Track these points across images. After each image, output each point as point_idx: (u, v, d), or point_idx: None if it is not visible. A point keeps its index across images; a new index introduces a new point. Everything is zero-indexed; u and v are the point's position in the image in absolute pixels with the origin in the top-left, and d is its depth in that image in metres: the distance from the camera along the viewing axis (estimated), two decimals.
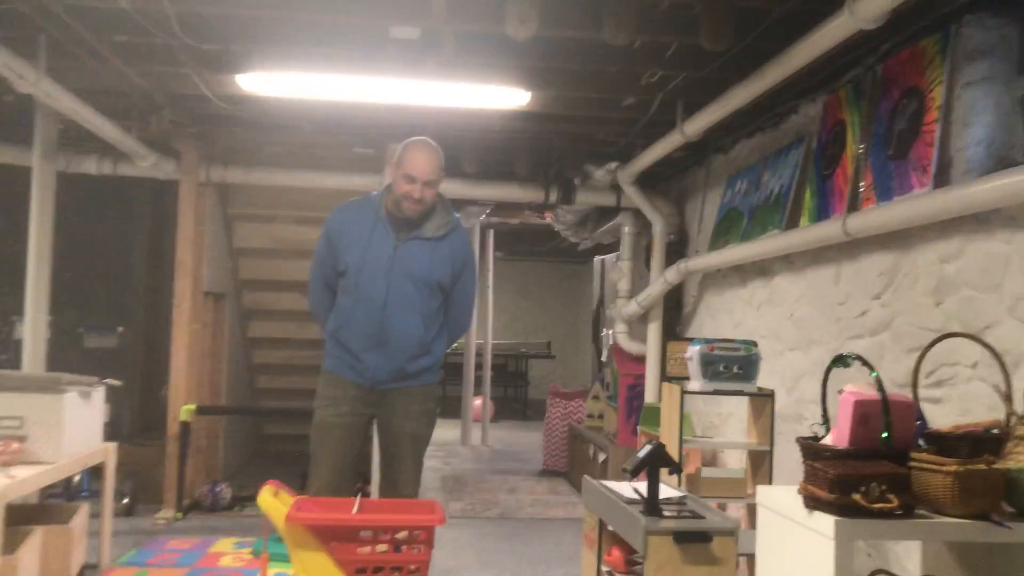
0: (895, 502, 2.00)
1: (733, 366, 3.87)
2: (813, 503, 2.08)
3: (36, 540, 3.61)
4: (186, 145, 5.68)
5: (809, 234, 3.81)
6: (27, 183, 5.09)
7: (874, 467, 2.05)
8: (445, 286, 3.37)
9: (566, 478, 7.42)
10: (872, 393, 2.18)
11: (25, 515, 4.00)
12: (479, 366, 9.78)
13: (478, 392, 9.84)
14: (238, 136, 5.80)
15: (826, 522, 2.00)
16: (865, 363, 2.24)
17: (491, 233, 9.81)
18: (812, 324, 4.03)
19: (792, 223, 4.12)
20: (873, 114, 3.55)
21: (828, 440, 2.27)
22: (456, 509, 6.04)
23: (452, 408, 11.40)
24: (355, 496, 3.06)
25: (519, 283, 14.85)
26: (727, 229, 4.95)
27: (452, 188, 6.15)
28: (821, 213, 3.84)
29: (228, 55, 4.23)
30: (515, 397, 13.44)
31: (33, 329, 5.18)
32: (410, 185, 3.21)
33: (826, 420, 2.38)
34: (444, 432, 10.32)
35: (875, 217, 3.31)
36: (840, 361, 2.30)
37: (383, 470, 3.46)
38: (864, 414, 2.16)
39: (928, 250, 3.18)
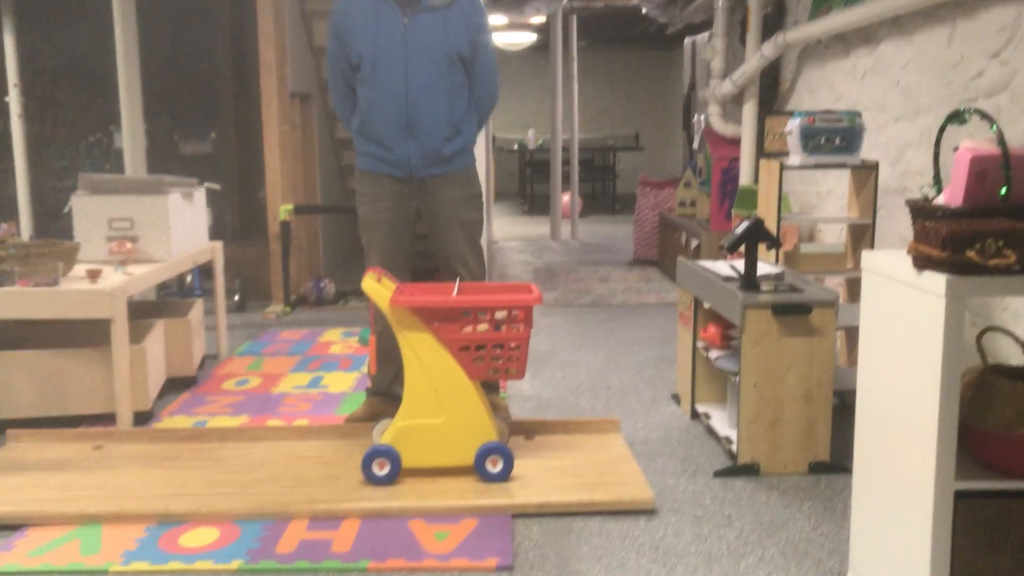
0: (1012, 258, 1.92)
1: (836, 138, 3.71)
2: (923, 262, 2.01)
3: (159, 331, 3.84)
4: None
5: None
6: None
7: (991, 224, 1.96)
8: (464, 56, 3.22)
9: (657, 266, 7.45)
10: (990, 148, 2.06)
11: (145, 310, 4.25)
12: (566, 161, 9.68)
13: (566, 187, 9.80)
14: None
15: (937, 280, 1.95)
16: (985, 116, 2.10)
17: (574, 19, 9.42)
18: (920, 91, 3.80)
19: None
20: None
21: (941, 200, 2.17)
22: (550, 298, 6.16)
23: (540, 204, 11.44)
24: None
25: (604, 74, 14.41)
26: None
27: None
28: None
29: None
30: (603, 191, 13.36)
31: (131, 138, 5.31)
32: None
33: (938, 181, 2.27)
34: (534, 228, 10.43)
35: None
36: (956, 118, 2.16)
37: (441, 263, 3.42)
38: (981, 170, 2.04)
39: None
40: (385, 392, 3.48)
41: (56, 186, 6.15)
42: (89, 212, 3.87)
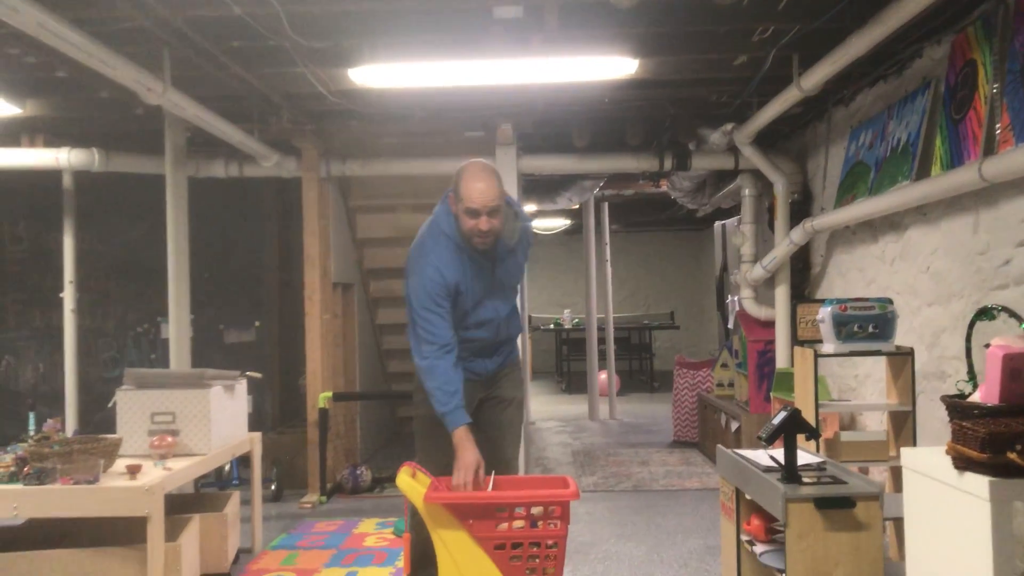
0: None
1: (868, 325, 3.73)
2: (964, 463, 1.99)
3: (195, 527, 3.82)
4: (305, 142, 5.86)
5: (943, 182, 3.63)
6: (162, 190, 5.37)
7: None
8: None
9: (698, 448, 7.33)
10: (1022, 346, 2.06)
11: (182, 504, 4.24)
12: (602, 340, 9.75)
13: (602, 366, 9.82)
14: (354, 130, 5.94)
15: (979, 483, 1.91)
16: (1013, 314, 2.12)
17: (605, 206, 9.74)
18: (950, 277, 3.84)
19: (923, 172, 3.93)
20: (1007, 50, 3.33)
21: (976, 397, 2.16)
22: (589, 483, 6.06)
23: (578, 383, 11.43)
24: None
25: (638, 254, 14.71)
26: (853, 184, 4.76)
27: (564, 164, 6.16)
28: (954, 160, 3.64)
29: (338, 50, 4.33)
30: (640, 369, 13.34)
31: (177, 328, 5.47)
32: (475, 220, 3.09)
33: (972, 377, 2.27)
34: (571, 407, 10.38)
35: (1015, 159, 3.12)
36: (985, 314, 2.18)
37: (487, 442, 3.31)
38: (1015, 368, 2.04)
39: None
40: None
41: (103, 376, 6.31)
42: (133, 406, 3.95)
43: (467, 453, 2.98)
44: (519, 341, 3.60)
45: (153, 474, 3.52)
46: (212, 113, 4.76)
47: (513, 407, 3.45)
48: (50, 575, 3.39)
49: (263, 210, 6.71)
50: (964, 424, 2.01)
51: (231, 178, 6.02)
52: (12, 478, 3.44)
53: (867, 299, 3.78)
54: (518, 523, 2.78)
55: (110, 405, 4.01)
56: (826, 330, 3.77)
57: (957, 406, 2.11)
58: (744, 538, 3.46)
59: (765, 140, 5.82)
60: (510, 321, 3.42)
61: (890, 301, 3.80)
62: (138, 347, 6.40)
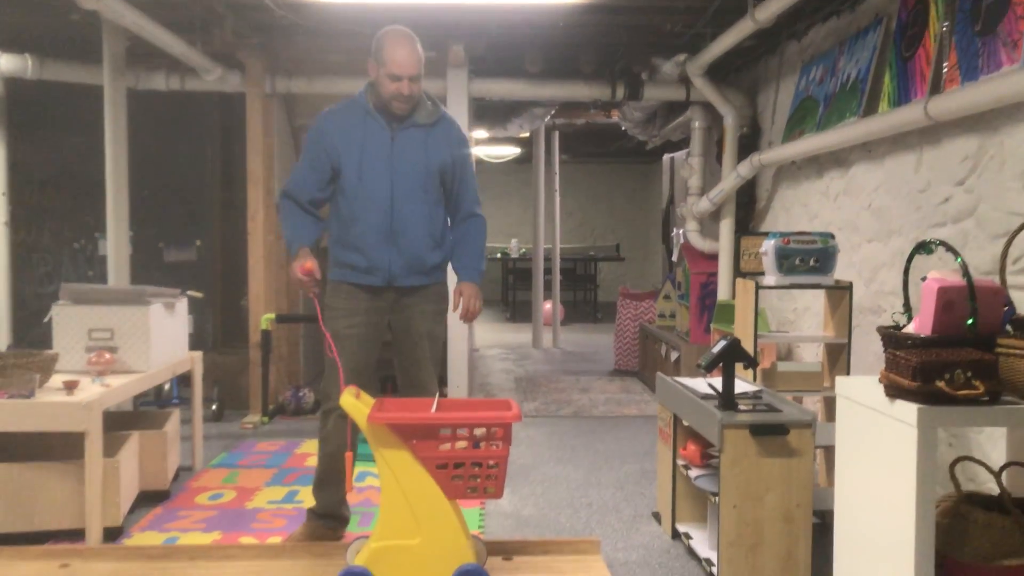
0: (981, 388, 1.96)
1: (809, 259, 3.80)
2: (895, 391, 2.05)
3: (133, 443, 3.80)
4: (250, 57, 5.69)
5: (889, 120, 3.67)
6: (100, 102, 5.19)
7: (959, 354, 2.00)
8: (446, 172, 3.31)
9: (638, 377, 7.47)
10: (956, 279, 2.12)
11: (122, 421, 4.20)
12: (548, 270, 9.80)
13: (548, 296, 9.89)
14: (300, 46, 5.78)
15: (909, 410, 1.98)
16: (949, 248, 2.17)
17: (556, 135, 9.68)
18: (891, 214, 3.91)
19: (871, 109, 3.97)
20: None
21: (910, 329, 2.22)
22: (530, 409, 6.14)
23: (523, 312, 11.51)
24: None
25: (586, 186, 14.72)
26: (802, 119, 4.79)
27: (515, 89, 6.08)
28: (902, 97, 3.68)
29: None
30: (585, 300, 13.47)
31: (116, 245, 5.34)
32: (396, 83, 3.13)
33: (908, 309, 2.33)
34: (516, 336, 10.46)
35: (960, 98, 3.16)
36: (923, 248, 2.23)
37: (403, 372, 3.41)
38: (948, 301, 2.10)
39: (1017, 131, 3.03)
40: (331, 514, 3.44)
41: (39, 292, 6.15)
42: (70, 322, 3.87)
43: (296, 262, 3.19)
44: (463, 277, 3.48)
45: (91, 390, 3.47)
46: (152, 21, 4.58)
47: (427, 341, 3.39)
48: None
49: (205, 126, 6.51)
50: (897, 353, 2.06)
51: (172, 92, 5.84)
52: None
53: (809, 233, 3.84)
54: (461, 444, 2.81)
55: (46, 320, 3.92)
56: (768, 263, 3.83)
57: (892, 336, 2.17)
58: (680, 463, 3.56)
59: (717, 73, 5.81)
60: (417, 210, 3.25)
61: (832, 236, 3.87)
62: (75, 263, 6.24)
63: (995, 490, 2.10)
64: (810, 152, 4.60)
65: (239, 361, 5.94)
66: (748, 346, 3.74)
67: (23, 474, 3.39)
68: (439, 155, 3.28)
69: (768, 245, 3.81)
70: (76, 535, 3.38)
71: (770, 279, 3.83)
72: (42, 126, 6.15)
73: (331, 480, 3.43)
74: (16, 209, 5.95)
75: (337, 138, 3.25)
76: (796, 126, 4.86)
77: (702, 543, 3.37)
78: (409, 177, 3.24)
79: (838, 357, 3.88)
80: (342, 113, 3.30)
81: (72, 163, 6.14)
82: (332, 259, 3.39)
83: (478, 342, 9.59)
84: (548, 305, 9.97)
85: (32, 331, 5.91)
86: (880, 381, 2.13)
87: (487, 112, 7.40)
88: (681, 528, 3.56)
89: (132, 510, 3.77)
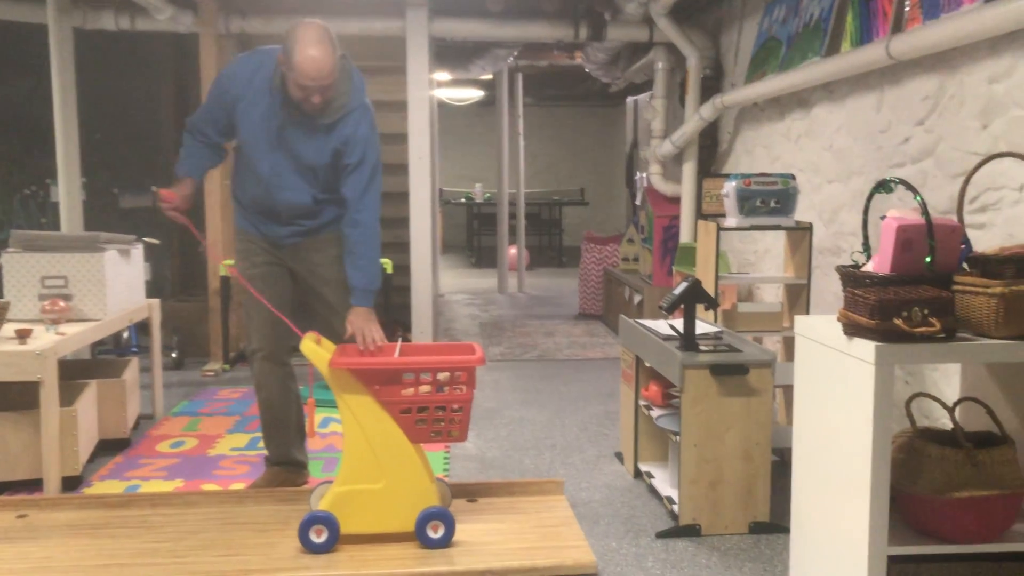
0: (937, 326, 1.98)
1: (770, 200, 3.80)
2: (853, 330, 2.06)
3: (91, 392, 3.74)
4: None
5: (851, 59, 3.65)
6: (47, 42, 5.01)
7: (916, 292, 2.02)
8: (331, 171, 3.14)
9: (602, 320, 7.50)
10: (915, 218, 2.12)
11: (80, 370, 4.14)
12: (513, 215, 9.76)
13: (512, 241, 9.87)
14: None
15: (866, 348, 1.99)
16: (909, 187, 2.17)
17: (519, 77, 9.57)
18: (852, 154, 3.92)
19: (833, 49, 3.95)
20: None
21: (869, 267, 2.23)
22: (496, 353, 6.15)
23: (488, 258, 11.48)
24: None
25: (551, 130, 14.61)
26: (764, 60, 4.76)
27: (478, 29, 5.97)
28: (864, 37, 3.66)
29: None
30: (549, 245, 13.47)
31: (68, 191, 5.22)
32: (303, 94, 2.93)
33: (867, 248, 2.33)
34: (481, 281, 10.45)
35: (921, 37, 3.15)
36: (882, 187, 2.23)
37: (319, 320, 3.30)
38: (907, 239, 2.11)
39: (976, 70, 3.03)
40: (285, 461, 3.43)
41: None
42: (21, 269, 3.78)
43: (174, 189, 3.15)
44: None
45: (45, 339, 3.40)
46: None
47: (333, 287, 3.26)
48: None
49: (158, 68, 6.34)
50: (856, 292, 2.07)
51: (122, 32, 5.65)
52: None
53: (770, 175, 3.84)
54: (424, 388, 2.81)
55: None
56: (730, 204, 3.83)
57: (851, 275, 2.18)
58: (642, 403, 3.59)
59: (680, 13, 5.74)
60: (295, 195, 3.14)
61: (792, 177, 3.87)
62: (26, 210, 6.09)
63: (949, 425, 2.13)
64: (772, 93, 4.58)
65: (198, 309, 5.86)
66: (709, 287, 3.75)
67: None
68: (323, 157, 3.10)
69: (729, 187, 3.81)
70: (34, 485, 3.35)
71: (731, 221, 3.83)
72: None
73: (273, 426, 3.40)
74: None
75: (237, 97, 3.09)
76: (759, 67, 4.83)
77: (663, 482, 3.42)
78: (286, 169, 3.11)
79: (798, 297, 3.91)
80: (250, 74, 3.09)
81: (21, 107, 5.96)
82: (233, 205, 3.36)
83: (443, 287, 9.57)
84: (513, 250, 9.95)
85: None
86: (839, 320, 2.14)
87: (448, 53, 7.28)
88: (643, 467, 3.60)
89: (92, 459, 3.73)
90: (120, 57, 6.10)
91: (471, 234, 13.24)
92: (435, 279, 6.71)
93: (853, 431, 2.06)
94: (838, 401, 2.15)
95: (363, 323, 3.02)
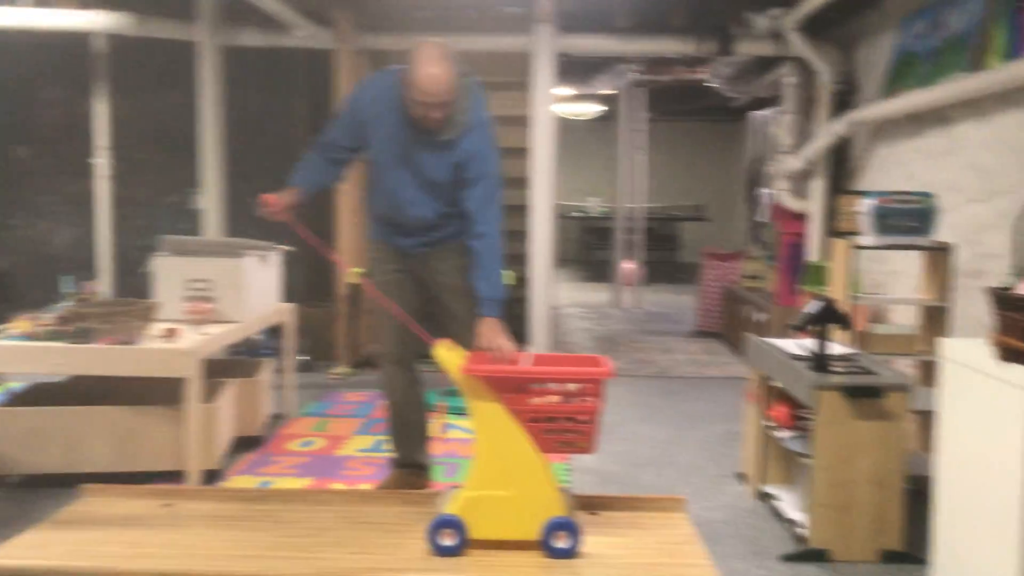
0: None
1: (909, 220, 3.68)
2: (1008, 354, 1.98)
3: (229, 390, 3.92)
4: (340, 13, 5.73)
5: (1001, 75, 3.52)
6: (195, 59, 5.29)
7: None
8: (454, 187, 3.19)
9: (721, 339, 7.38)
10: None
11: (217, 370, 4.33)
12: (629, 230, 9.71)
13: (628, 255, 9.82)
14: (390, 1, 5.79)
15: (1022, 373, 1.91)
16: None
17: (641, 92, 9.52)
18: (998, 173, 3.76)
19: (978, 64, 3.80)
20: None
21: (1022, 290, 2.14)
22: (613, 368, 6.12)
23: (601, 271, 11.45)
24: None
25: (669, 144, 14.47)
26: (902, 75, 4.62)
27: (604, 44, 6.00)
28: (1015, 51, 3.51)
29: None
30: (666, 260, 13.34)
31: (212, 199, 5.48)
32: (423, 111, 3.02)
33: (1020, 270, 2.24)
34: (595, 295, 10.43)
35: None
36: None
37: (442, 327, 3.35)
38: None
39: None
40: (410, 463, 3.51)
41: (137, 244, 6.36)
42: (169, 272, 4.00)
43: (279, 195, 3.32)
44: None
45: (190, 338, 3.59)
46: None
47: (455, 294, 3.33)
48: (93, 429, 3.50)
49: (295, 83, 6.60)
50: (1011, 315, 1.99)
51: (263, 48, 5.92)
52: (54, 336, 3.51)
53: (909, 193, 3.72)
54: (553, 398, 2.83)
55: (144, 270, 4.05)
56: (865, 222, 3.72)
57: (1004, 297, 2.09)
58: (768, 423, 3.52)
59: (812, 27, 5.62)
60: (423, 212, 3.23)
61: (932, 196, 3.74)
62: (171, 217, 6.43)
63: None
64: (911, 109, 4.44)
65: (327, 314, 6.06)
66: (842, 307, 3.65)
67: (128, 417, 3.54)
68: (445, 173, 3.18)
69: (865, 205, 3.70)
70: (177, 476, 3.52)
71: (867, 239, 3.72)
72: (141, 83, 6.31)
73: (399, 429, 3.49)
74: (114, 163, 6.15)
75: (367, 118, 3.22)
76: (895, 83, 4.69)
77: (789, 504, 3.34)
78: (412, 186, 3.21)
79: (936, 320, 3.77)
80: (378, 94, 3.22)
81: (169, 119, 6.30)
82: (367, 216, 3.49)
83: (557, 300, 9.59)
84: (628, 265, 9.90)
85: (130, 282, 6.13)
86: (991, 343, 2.06)
87: (572, 68, 7.31)
88: (767, 489, 3.53)
89: (228, 454, 3.90)
90: (259, 73, 6.38)
91: (584, 248, 13.23)
92: (553, 292, 6.74)
93: (1007, 462, 1.98)
94: (989, 429, 2.07)
95: (492, 333, 3.08)
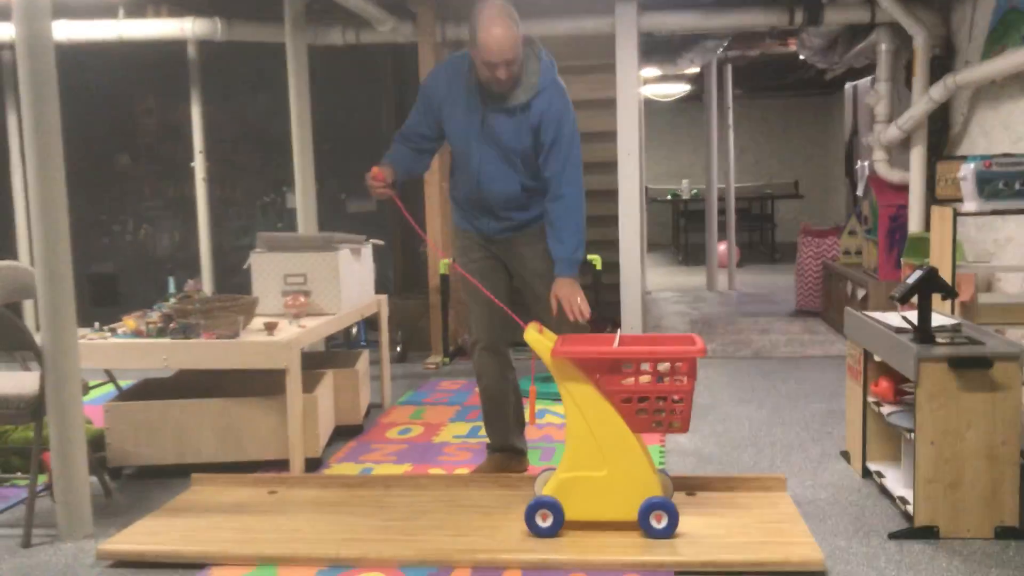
0: None
1: (1015, 182, 3.51)
2: None
3: (328, 381, 4.02)
4: (421, 5, 5.79)
5: None
6: (282, 60, 5.43)
7: None
8: (533, 153, 3.20)
9: (821, 317, 7.19)
10: None
11: (316, 361, 4.45)
12: (722, 211, 9.54)
13: (722, 237, 9.65)
14: None
15: None
16: None
17: (728, 69, 9.33)
18: None
19: None
20: None
21: None
22: (708, 350, 6.03)
23: (696, 255, 11.29)
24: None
25: (760, 121, 14.17)
26: (1004, 33, 4.41)
27: (688, 21, 5.91)
28: None
29: None
30: (761, 241, 13.06)
31: (303, 197, 5.62)
32: (491, 72, 3.02)
33: None
34: (689, 278, 10.30)
35: None
36: None
37: (529, 312, 3.34)
38: None
39: None
40: (506, 447, 3.53)
41: (234, 244, 6.58)
42: (266, 268, 4.12)
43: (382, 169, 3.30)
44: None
45: (289, 331, 3.69)
46: None
47: (541, 279, 3.30)
48: (201, 421, 3.64)
49: (379, 79, 6.71)
50: None
51: (348, 46, 6.03)
52: (160, 333, 3.66)
53: (1016, 155, 3.55)
54: (644, 378, 2.81)
55: (245, 267, 4.19)
56: (968, 188, 3.57)
57: None
58: (871, 399, 3.41)
59: None
60: (505, 187, 3.24)
61: None
62: (265, 216, 6.63)
63: None
64: (1016, 68, 4.23)
65: (419, 305, 6.15)
66: (945, 276, 3.51)
67: (233, 409, 3.67)
68: (523, 140, 3.18)
69: (967, 170, 3.56)
70: (281, 465, 3.63)
71: (970, 205, 3.57)
72: (231, 86, 6.52)
73: (493, 414, 3.53)
74: (211, 166, 6.37)
75: (442, 100, 3.26)
76: (997, 41, 4.48)
77: (895, 481, 3.24)
78: (493, 159, 3.22)
79: None
80: (449, 77, 3.26)
81: (259, 121, 6.49)
82: (451, 204, 3.54)
83: (649, 285, 9.51)
84: (723, 246, 9.72)
85: (231, 281, 6.35)
86: None
87: (657, 47, 7.23)
88: (872, 466, 3.42)
89: (329, 443, 4.01)
90: (345, 70, 6.50)
91: (677, 231, 13.06)
92: (643, 276, 6.68)
93: None
94: None
95: (567, 292, 3.13)
